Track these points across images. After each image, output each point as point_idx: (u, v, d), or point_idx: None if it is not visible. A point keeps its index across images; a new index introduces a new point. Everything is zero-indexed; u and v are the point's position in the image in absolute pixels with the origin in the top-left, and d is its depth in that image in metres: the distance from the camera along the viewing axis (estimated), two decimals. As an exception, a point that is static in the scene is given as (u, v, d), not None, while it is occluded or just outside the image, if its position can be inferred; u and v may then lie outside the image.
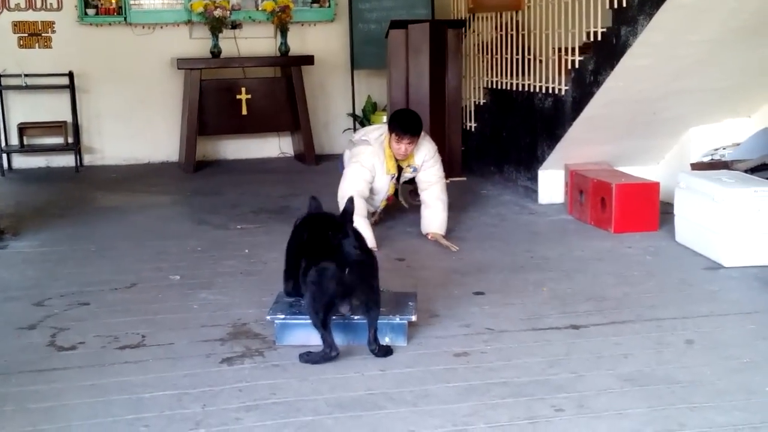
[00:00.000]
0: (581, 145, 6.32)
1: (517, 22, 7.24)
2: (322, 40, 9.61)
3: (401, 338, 3.76)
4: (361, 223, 5.24)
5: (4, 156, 8.92)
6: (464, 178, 7.84)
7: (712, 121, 6.31)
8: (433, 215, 5.61)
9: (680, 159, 6.43)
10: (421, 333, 3.89)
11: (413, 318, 3.79)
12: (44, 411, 3.13)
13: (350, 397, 3.23)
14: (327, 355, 3.53)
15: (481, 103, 7.98)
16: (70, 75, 8.92)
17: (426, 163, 5.63)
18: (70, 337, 3.87)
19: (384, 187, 5.57)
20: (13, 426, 3.01)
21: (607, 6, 5.64)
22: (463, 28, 8.08)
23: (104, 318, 4.13)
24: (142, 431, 2.96)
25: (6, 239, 5.71)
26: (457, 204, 6.40)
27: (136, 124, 9.34)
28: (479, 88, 8.07)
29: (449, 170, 7.71)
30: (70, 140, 8.99)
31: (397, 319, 3.75)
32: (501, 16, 7.58)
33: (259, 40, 9.39)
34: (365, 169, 5.40)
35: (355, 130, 9.41)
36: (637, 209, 5.78)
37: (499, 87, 7.53)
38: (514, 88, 7.18)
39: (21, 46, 9.03)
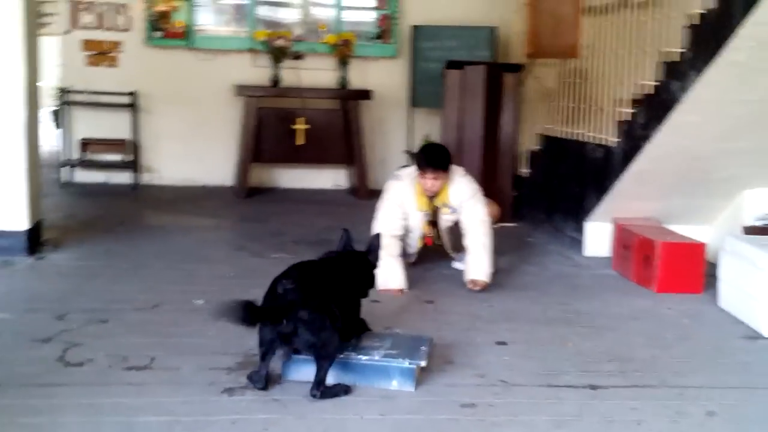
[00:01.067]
0: (630, 199, 6.16)
1: (575, 70, 7.14)
2: (384, 76, 9.63)
3: (409, 383, 3.66)
4: (390, 261, 5.20)
5: (65, 169, 9.11)
6: (515, 224, 7.72)
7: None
8: (475, 261, 5.31)
9: (734, 221, 6.24)
10: (433, 379, 3.79)
11: (423, 363, 3.69)
12: (33, 426, 3.11)
13: (343, 441, 3.15)
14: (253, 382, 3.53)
15: (536, 150, 7.86)
16: (134, 95, 9.08)
17: (465, 203, 5.38)
18: (80, 354, 3.86)
19: (417, 224, 5.43)
20: (-1, 440, 3.00)
21: (660, 59, 5.51)
22: (522, 73, 7.99)
23: (119, 337, 4.13)
24: (125, 457, 2.92)
25: (46, 251, 5.78)
26: (500, 250, 6.23)
27: (195, 146, 9.45)
28: (535, 134, 7.96)
29: (500, 216, 7.64)
30: (130, 158, 9.14)
31: (406, 363, 3.66)
32: (560, 65, 7.48)
33: (321, 72, 9.42)
34: (395, 205, 5.32)
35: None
36: (681, 269, 5.59)
37: (554, 134, 7.41)
38: (568, 137, 7.06)
39: (88, 64, 9.22)
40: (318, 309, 3.41)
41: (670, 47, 5.45)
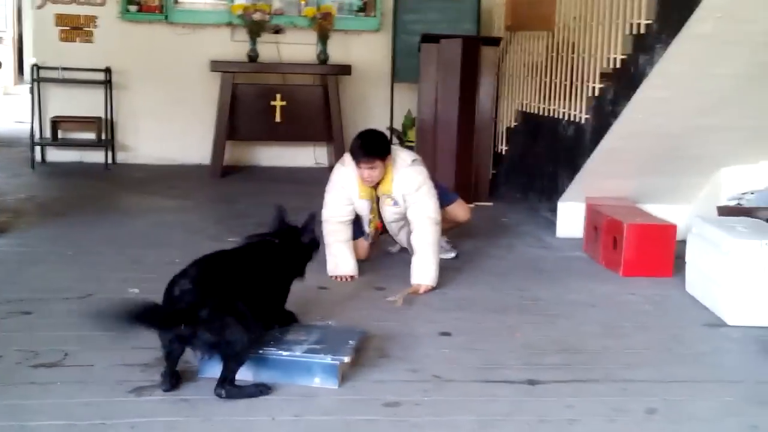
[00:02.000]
0: (602, 178, 5.91)
1: (551, 42, 6.86)
2: (366, 50, 9.36)
3: (332, 380, 3.44)
4: (339, 247, 4.98)
5: (38, 149, 8.91)
6: (490, 204, 7.48)
7: (746, 161, 5.83)
8: (419, 263, 4.81)
9: (714, 200, 5.96)
10: (361, 375, 3.58)
11: (346, 359, 3.48)
12: None
13: (245, 446, 2.94)
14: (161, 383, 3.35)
15: (514, 126, 7.60)
16: (108, 71, 8.86)
17: (409, 196, 4.89)
18: (-9, 350, 3.68)
19: (364, 211, 5.08)
20: None
21: (627, 32, 5.24)
22: (500, 47, 7.71)
23: (37, 330, 3.93)
24: (2, 466, 2.73)
25: (-10, 236, 5.60)
26: (469, 231, 6.05)
27: (172, 124, 9.23)
28: (513, 110, 7.70)
29: (475, 194, 7.42)
30: (104, 136, 8.94)
31: (328, 359, 3.45)
32: (537, 38, 7.19)
33: (301, 47, 9.15)
34: (339, 190, 5.02)
35: (392, 143, 9.13)
36: (649, 252, 5.34)
37: (529, 110, 7.15)
38: (542, 113, 6.81)
39: (62, 39, 9.00)
40: (218, 308, 3.20)
41: (639, 19, 5.17)
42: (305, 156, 9.52)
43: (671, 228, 5.40)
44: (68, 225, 6.13)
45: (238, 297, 3.28)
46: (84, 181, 8.16)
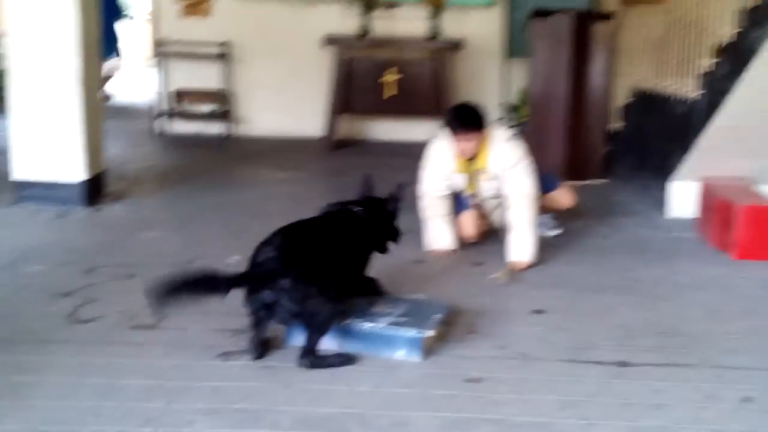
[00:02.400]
0: (717, 157, 5.66)
1: (666, 17, 6.60)
2: (480, 25, 9.23)
3: (415, 353, 3.44)
4: (437, 222, 4.96)
5: (161, 121, 9.19)
6: (603, 181, 7.29)
7: None
8: (516, 240, 4.75)
9: None
10: (447, 350, 3.55)
11: (430, 333, 3.47)
12: (17, 385, 3.07)
13: (321, 414, 2.96)
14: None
15: (628, 103, 7.38)
16: (227, 45, 9.04)
17: (506, 172, 4.79)
18: (93, 310, 3.82)
19: (460, 186, 5.00)
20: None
21: (740, 5, 5.01)
22: (616, 22, 7.48)
23: (140, 293, 4.00)
24: (89, 421, 2.83)
25: (106, 202, 5.79)
26: (578, 209, 5.91)
27: (288, 97, 9.34)
28: (628, 86, 7.47)
29: (587, 172, 7.26)
30: (223, 109, 9.14)
31: (412, 333, 3.44)
32: (651, 12, 6.93)
33: (414, 22, 9.09)
34: (435, 165, 4.97)
35: (505, 120, 9.03)
36: (765, 235, 5.11)
37: (643, 87, 6.92)
38: (655, 89, 6.57)
39: (183, 15, 9.22)
40: (300, 277, 3.22)
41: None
42: (418, 131, 9.43)
43: (788, 210, 5.15)
44: (181, 194, 6.31)
45: (319, 265, 3.29)
46: (202, 151, 8.39)
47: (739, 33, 5.04)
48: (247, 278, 3.28)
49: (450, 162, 4.91)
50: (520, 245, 4.73)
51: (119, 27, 12.26)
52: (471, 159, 4.86)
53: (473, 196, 5.04)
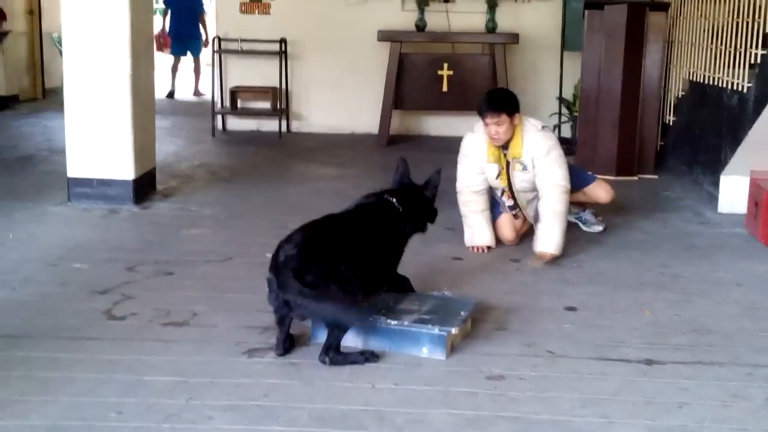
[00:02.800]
0: (766, 151, 5.56)
1: (717, 8, 6.48)
2: (537, 18, 9.20)
3: (440, 351, 3.45)
4: (475, 217, 4.97)
5: (219, 118, 9.36)
6: (656, 176, 7.21)
7: None
8: (544, 231, 4.70)
9: None
10: (472, 347, 3.57)
11: (454, 330, 3.48)
12: (47, 381, 3.16)
13: (340, 411, 3.00)
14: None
15: (682, 96, 7.27)
16: (283, 42, 9.15)
17: (538, 162, 4.74)
18: (128, 307, 3.92)
19: (493, 177, 4.94)
20: (2, 392, 3.06)
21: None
22: (671, 13, 7.38)
23: (175, 290, 4.16)
24: (111, 417, 2.92)
25: (155, 200, 5.93)
26: (625, 204, 5.88)
27: (344, 93, 9.44)
28: (682, 78, 7.36)
29: (640, 166, 7.19)
30: (279, 105, 9.26)
31: (435, 330, 3.46)
32: (706, 2, 6.80)
33: (471, 15, 9.11)
34: (469, 158, 4.96)
35: (560, 114, 8.96)
36: (812, 230, 5.02)
37: (696, 79, 6.81)
38: (707, 81, 6.47)
39: (242, 12, 9.37)
40: (321, 275, 3.26)
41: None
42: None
43: (837, 205, 5.03)
44: (230, 191, 6.44)
45: (341, 261, 3.33)
46: (257, 148, 8.50)
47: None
48: (269, 279, 3.34)
49: (483, 152, 4.90)
50: (547, 236, 4.69)
51: (203, 21, 12.57)
52: (503, 148, 4.84)
53: (507, 189, 5.01)
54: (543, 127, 4.88)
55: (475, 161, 4.92)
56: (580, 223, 5.38)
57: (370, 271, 3.51)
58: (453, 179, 5.05)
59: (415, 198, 3.90)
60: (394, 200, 3.82)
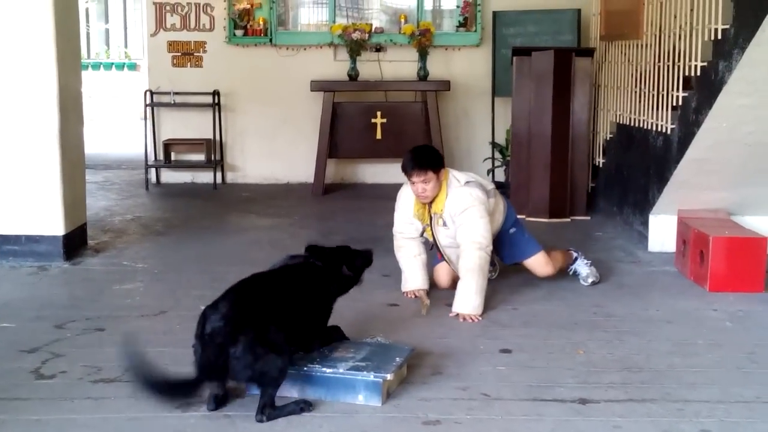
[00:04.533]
0: (694, 189, 5.71)
1: (638, 53, 6.66)
2: (468, 65, 9.33)
3: (375, 397, 3.45)
4: (410, 262, 4.98)
5: (152, 171, 9.29)
6: (588, 218, 7.33)
7: None
8: (461, 291, 4.62)
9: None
10: (408, 393, 3.58)
11: (388, 377, 3.48)
12: (-31, 443, 3.09)
13: (275, 462, 2.98)
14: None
15: (610, 138, 7.43)
16: (216, 93, 9.14)
17: (457, 218, 4.67)
18: (57, 365, 3.85)
19: (420, 231, 4.94)
20: None
21: (707, 38, 5.06)
22: (595, 58, 7.56)
23: (106, 347, 4.08)
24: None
25: (86, 255, 5.84)
26: (560, 245, 5.93)
27: (278, 144, 9.43)
28: (609, 121, 7.52)
29: (572, 208, 7.30)
30: (213, 157, 9.22)
31: (371, 377, 3.46)
32: (628, 47, 6.99)
33: (403, 64, 9.23)
34: (400, 210, 4.97)
35: (494, 159, 9.08)
36: (738, 266, 5.13)
37: (623, 121, 6.97)
38: (633, 124, 6.62)
39: (174, 65, 9.36)
40: (248, 345, 3.24)
41: (716, 24, 4.98)
42: (408, 172, 9.53)
43: (761, 241, 5.17)
44: (163, 244, 6.37)
45: (270, 323, 3.31)
46: (191, 201, 8.44)
47: (706, 65, 5.09)
48: (195, 347, 3.30)
49: (411, 207, 4.90)
50: (463, 296, 4.62)
51: None
52: (430, 204, 4.82)
53: (434, 244, 4.98)
54: (467, 182, 4.79)
55: (405, 212, 4.95)
56: (579, 279, 5.34)
57: (300, 328, 3.50)
58: (389, 226, 5.07)
59: (341, 262, 3.89)
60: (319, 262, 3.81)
